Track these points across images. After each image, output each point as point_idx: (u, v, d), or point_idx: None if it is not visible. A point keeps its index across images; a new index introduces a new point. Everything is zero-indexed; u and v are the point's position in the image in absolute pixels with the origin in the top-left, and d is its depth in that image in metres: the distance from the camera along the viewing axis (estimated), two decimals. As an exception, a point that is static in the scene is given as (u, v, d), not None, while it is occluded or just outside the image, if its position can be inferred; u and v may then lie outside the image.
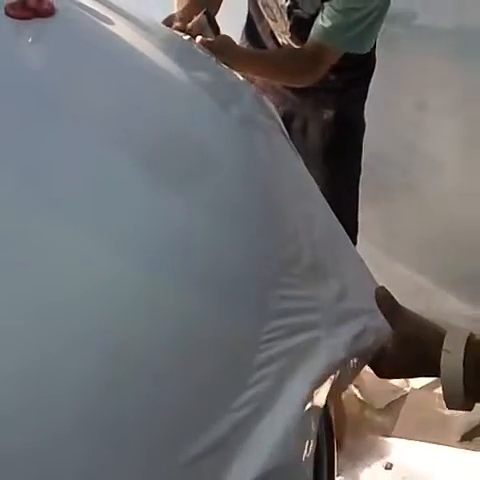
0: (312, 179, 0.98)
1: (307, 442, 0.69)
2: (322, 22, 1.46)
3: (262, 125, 0.94)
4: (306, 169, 0.97)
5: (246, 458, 0.62)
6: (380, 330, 0.85)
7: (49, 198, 0.64)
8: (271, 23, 1.61)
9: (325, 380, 0.74)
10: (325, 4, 1.46)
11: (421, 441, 1.87)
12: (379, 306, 0.86)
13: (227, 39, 1.33)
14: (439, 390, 2.09)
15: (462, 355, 0.80)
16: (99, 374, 0.56)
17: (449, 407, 0.84)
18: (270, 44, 1.66)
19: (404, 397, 2.01)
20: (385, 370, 0.90)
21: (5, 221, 0.60)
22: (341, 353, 0.77)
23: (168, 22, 1.31)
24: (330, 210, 0.97)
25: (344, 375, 0.83)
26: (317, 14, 1.48)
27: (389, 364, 0.88)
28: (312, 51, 1.49)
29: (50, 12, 0.86)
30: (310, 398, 0.69)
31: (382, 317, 0.86)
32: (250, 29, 1.71)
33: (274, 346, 0.68)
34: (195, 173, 0.72)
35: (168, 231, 0.66)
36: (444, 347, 0.81)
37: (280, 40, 1.63)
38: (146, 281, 0.63)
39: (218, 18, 1.42)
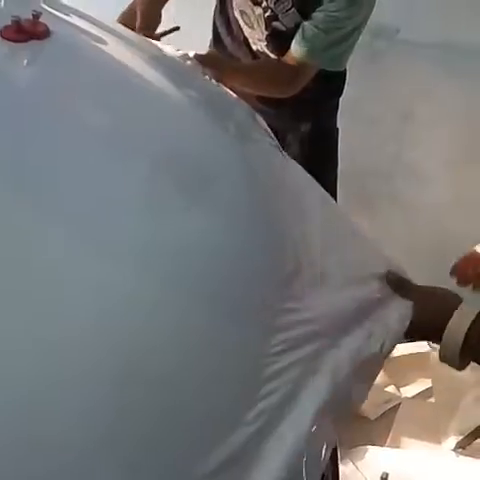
0: (310, 187, 0.98)
1: (321, 453, 0.69)
2: (304, 40, 1.47)
3: (258, 141, 0.95)
4: (305, 180, 0.98)
5: (261, 471, 0.63)
6: (389, 331, 0.86)
7: (57, 216, 0.64)
8: (247, 30, 1.62)
9: (334, 394, 0.74)
10: (306, 23, 1.47)
11: (416, 450, 1.88)
12: (393, 291, 0.91)
13: (216, 53, 1.35)
14: (431, 399, 2.11)
15: (475, 313, 0.84)
16: (113, 393, 0.57)
17: (441, 360, 0.89)
18: (241, 53, 1.67)
19: (397, 407, 2.02)
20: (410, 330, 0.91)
21: (16, 240, 0.61)
22: (347, 364, 0.77)
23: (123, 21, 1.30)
24: (331, 210, 0.97)
25: (358, 387, 0.83)
26: (296, 28, 1.50)
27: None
28: (294, 66, 1.50)
29: (45, 34, 0.86)
30: (321, 411, 0.70)
31: (392, 312, 0.88)
32: (217, 43, 1.72)
33: (281, 359, 0.69)
34: (200, 190, 0.73)
35: (178, 248, 0.67)
36: (461, 305, 0.86)
37: (254, 47, 1.64)
38: (158, 299, 0.63)
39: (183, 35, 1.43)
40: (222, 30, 1.70)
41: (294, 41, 1.49)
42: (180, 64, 1.06)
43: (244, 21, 1.61)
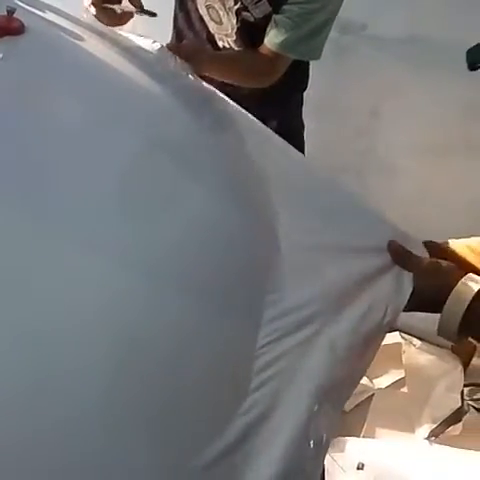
0: (295, 163, 0.99)
1: (318, 442, 0.70)
2: (278, 33, 1.47)
3: (237, 132, 0.96)
4: (290, 157, 0.98)
5: (259, 460, 0.63)
6: (389, 302, 0.85)
7: (48, 215, 0.64)
8: (214, 26, 1.61)
9: (333, 371, 0.74)
10: (279, 16, 1.48)
11: (390, 439, 1.91)
12: (394, 261, 0.89)
13: (194, 44, 1.34)
14: (404, 389, 2.14)
15: (477, 289, 0.83)
16: (109, 388, 0.57)
17: (439, 334, 0.87)
18: None
19: (370, 398, 2.05)
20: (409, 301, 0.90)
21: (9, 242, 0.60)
22: (346, 339, 0.77)
23: None
24: (321, 185, 0.96)
25: (359, 360, 0.82)
26: (264, 19, 1.50)
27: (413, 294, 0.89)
28: (270, 57, 1.51)
29: (20, 30, 0.86)
30: (318, 396, 0.70)
31: (393, 282, 0.87)
32: (179, 40, 1.71)
33: (272, 349, 0.70)
34: (185, 183, 0.73)
35: (168, 243, 0.67)
36: (462, 280, 0.85)
37: (221, 43, 1.63)
38: (150, 293, 0.63)
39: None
40: (183, 26, 1.69)
41: (267, 34, 1.49)
42: (157, 57, 1.06)
43: (210, 16, 1.60)
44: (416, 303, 0.89)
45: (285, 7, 1.46)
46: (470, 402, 2.11)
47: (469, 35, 1.21)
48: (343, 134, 2.20)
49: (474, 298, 0.83)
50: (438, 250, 0.99)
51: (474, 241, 1.02)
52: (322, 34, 1.52)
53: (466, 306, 0.83)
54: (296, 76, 1.67)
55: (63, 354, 0.57)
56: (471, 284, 0.85)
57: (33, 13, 0.91)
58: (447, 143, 2.10)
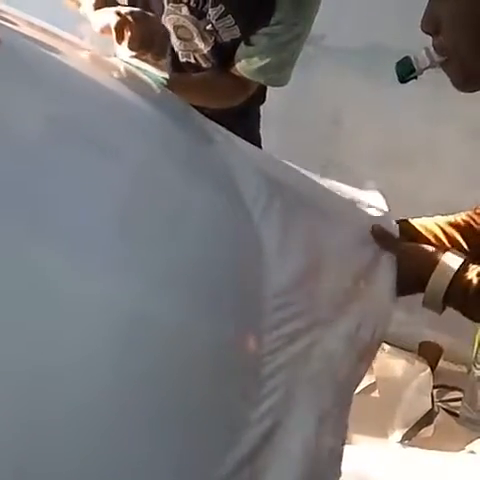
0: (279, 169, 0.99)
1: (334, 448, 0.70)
2: (253, 61, 1.49)
3: (217, 141, 0.96)
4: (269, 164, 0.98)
5: (276, 469, 0.63)
6: (379, 315, 0.87)
7: (51, 231, 0.62)
8: (180, 43, 1.61)
9: (331, 385, 0.75)
10: (251, 48, 1.48)
11: (365, 445, 1.92)
12: (378, 242, 0.94)
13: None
14: (376, 393, 2.15)
15: (461, 262, 0.87)
16: (124, 403, 0.56)
17: (424, 305, 0.91)
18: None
19: (343, 404, 2.06)
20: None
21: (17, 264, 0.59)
22: (340, 352, 0.78)
23: None
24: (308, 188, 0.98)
25: (353, 377, 0.84)
26: (232, 43, 1.51)
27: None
28: (243, 82, 1.54)
29: (-5, 44, 0.84)
30: (323, 404, 0.71)
31: (376, 297, 0.90)
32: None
33: (277, 357, 0.70)
34: (191, 195, 0.72)
35: (171, 256, 0.66)
36: (447, 253, 0.89)
37: (185, 59, 1.62)
38: (158, 305, 0.62)
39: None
40: None
41: (239, 59, 1.51)
42: (136, 76, 1.05)
43: (177, 35, 1.60)
44: (401, 285, 0.92)
45: (256, 38, 1.47)
46: (439, 403, 2.14)
47: (425, 43, 1.23)
48: (306, 144, 2.22)
49: (458, 269, 0.87)
50: (410, 228, 1.06)
51: (438, 218, 1.10)
52: (293, 62, 1.54)
53: (451, 277, 0.87)
54: (256, 90, 1.69)
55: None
56: (455, 257, 0.89)
57: (7, 27, 0.89)
58: (409, 149, 2.15)
